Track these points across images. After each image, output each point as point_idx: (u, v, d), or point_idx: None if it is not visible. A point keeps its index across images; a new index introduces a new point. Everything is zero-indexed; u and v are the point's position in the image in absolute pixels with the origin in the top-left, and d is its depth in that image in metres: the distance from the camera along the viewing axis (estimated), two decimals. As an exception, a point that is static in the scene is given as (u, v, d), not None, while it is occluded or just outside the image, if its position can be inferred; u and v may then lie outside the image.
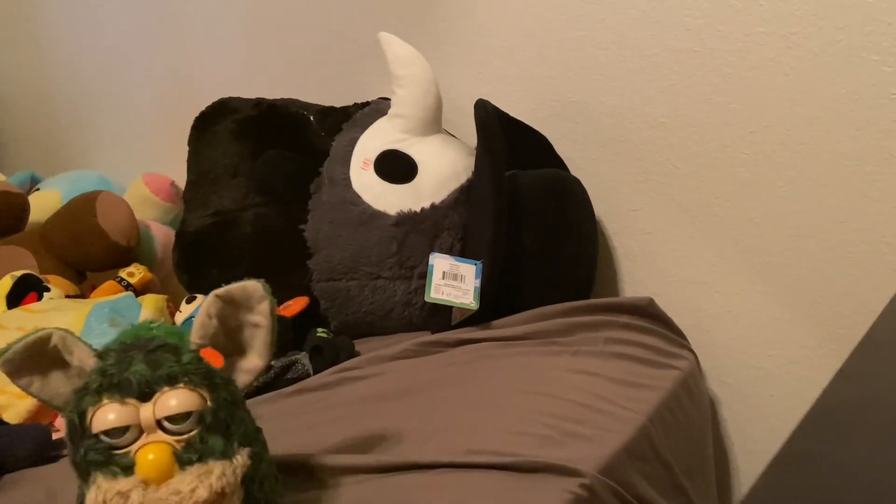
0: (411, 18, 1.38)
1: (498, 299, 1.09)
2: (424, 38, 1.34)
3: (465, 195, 1.15)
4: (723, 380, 1.18)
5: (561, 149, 1.23)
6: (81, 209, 1.43)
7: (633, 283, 1.24)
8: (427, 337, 1.06)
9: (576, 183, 1.17)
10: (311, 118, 1.28)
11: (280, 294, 1.17)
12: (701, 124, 1.12)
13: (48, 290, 1.28)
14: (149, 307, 1.22)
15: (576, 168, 1.22)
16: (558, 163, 1.23)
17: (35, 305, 1.22)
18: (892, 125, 0.97)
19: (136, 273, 1.37)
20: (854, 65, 0.98)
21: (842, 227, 1.03)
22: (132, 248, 1.46)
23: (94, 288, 1.37)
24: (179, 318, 1.20)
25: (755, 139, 1.08)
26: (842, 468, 0.29)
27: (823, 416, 0.34)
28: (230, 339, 0.65)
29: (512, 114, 1.21)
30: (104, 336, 1.14)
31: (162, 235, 1.56)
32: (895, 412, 0.34)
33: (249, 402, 1.00)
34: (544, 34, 1.25)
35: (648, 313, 1.08)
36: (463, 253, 1.13)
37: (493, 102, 1.16)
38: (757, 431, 1.17)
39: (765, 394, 1.15)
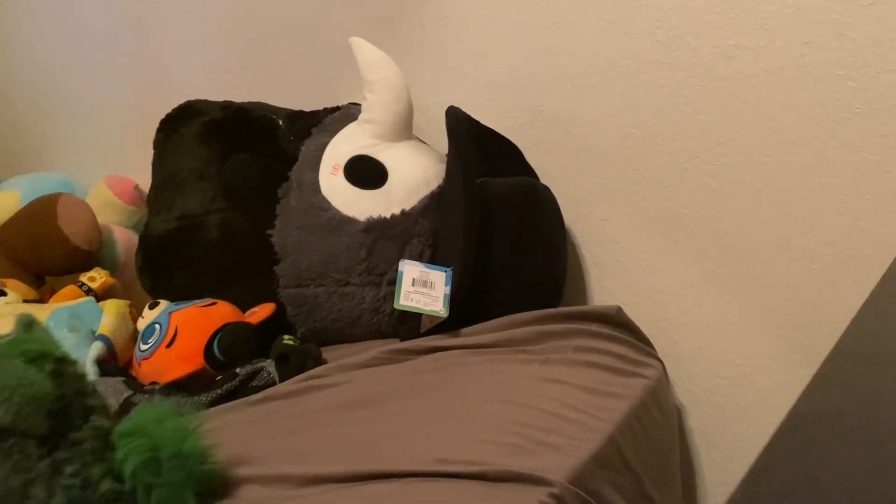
0: (384, 24, 1.38)
1: (468, 307, 1.08)
2: (397, 43, 1.34)
3: (435, 202, 1.15)
4: (689, 388, 1.19)
5: (531, 157, 1.23)
6: (41, 212, 1.39)
7: (602, 291, 1.25)
8: (396, 344, 1.05)
9: (546, 191, 1.17)
10: (280, 122, 1.26)
11: (246, 300, 1.17)
12: (669, 135, 1.13)
13: (5, 294, 1.25)
14: (110, 313, 1.20)
15: (546, 177, 1.22)
16: (529, 171, 1.23)
17: (-9, 310, 1.18)
18: (856, 139, 0.99)
19: (97, 278, 1.34)
20: (819, 79, 1.00)
21: (807, 239, 1.04)
22: (94, 252, 1.43)
23: (53, 293, 1.33)
24: (142, 323, 1.17)
25: (723, 150, 1.09)
26: (815, 479, 0.29)
27: (796, 426, 0.34)
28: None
29: (483, 121, 1.21)
30: (63, 342, 1.11)
31: (125, 239, 1.53)
32: (866, 423, 0.34)
33: (214, 411, 0.99)
34: (516, 43, 1.25)
35: (617, 322, 1.09)
36: (433, 260, 1.13)
37: (465, 110, 1.16)
38: (723, 440, 1.18)
39: (730, 403, 1.16)
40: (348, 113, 1.25)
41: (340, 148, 1.19)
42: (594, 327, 1.06)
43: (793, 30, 1.01)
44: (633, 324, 1.11)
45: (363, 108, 1.19)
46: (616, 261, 1.22)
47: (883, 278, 0.60)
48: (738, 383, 1.15)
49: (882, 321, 0.50)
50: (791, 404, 0.37)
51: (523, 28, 1.24)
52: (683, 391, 1.19)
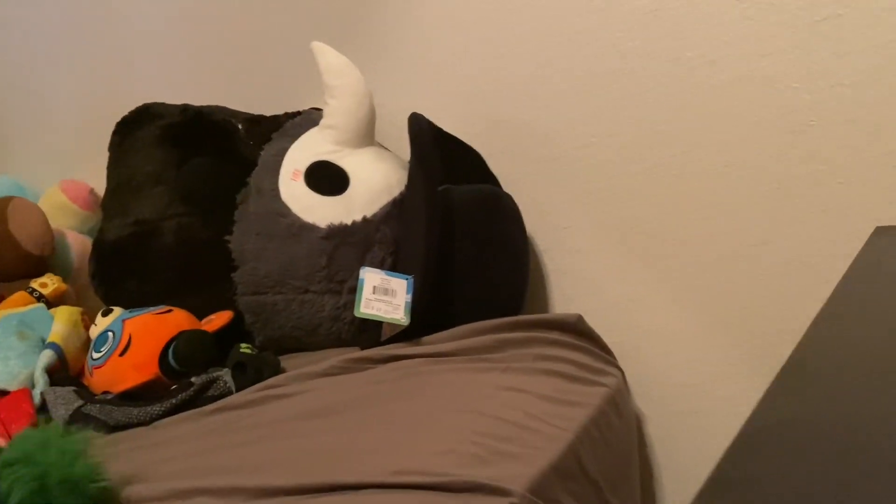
0: (349, 30, 1.37)
1: (429, 315, 1.07)
2: (361, 49, 1.33)
3: (397, 209, 1.14)
4: (649, 396, 1.20)
5: (494, 165, 1.23)
6: (-9, 216, 1.35)
7: (563, 300, 1.25)
8: (356, 353, 1.04)
9: (508, 199, 1.17)
10: (240, 126, 1.24)
11: (202, 308, 1.15)
12: (630, 144, 1.14)
13: (-49, 300, 1.21)
14: (61, 320, 1.17)
15: (508, 185, 1.22)
16: (491, 179, 1.23)
17: (-65, 317, 1.14)
18: (811, 150, 1.00)
19: (49, 284, 1.31)
20: (777, 91, 1.01)
21: (765, 249, 1.06)
22: (45, 258, 1.39)
23: (2, 298, 1.29)
24: (94, 331, 1.14)
25: (682, 160, 1.10)
26: (773, 488, 0.29)
27: (755, 434, 0.34)
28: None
29: (446, 129, 1.21)
30: (10, 350, 1.08)
31: (78, 245, 1.49)
32: (825, 435, 0.34)
33: (167, 421, 0.96)
34: (481, 51, 1.25)
35: (577, 330, 1.09)
36: (394, 267, 1.12)
37: (429, 117, 1.15)
38: (682, 447, 1.19)
39: (690, 410, 1.17)
40: (309, 118, 1.24)
41: (301, 153, 1.17)
42: (554, 335, 1.05)
43: (751, 43, 1.02)
44: (594, 332, 1.11)
45: (325, 113, 1.18)
46: (577, 269, 1.22)
47: (837, 286, 0.61)
48: (698, 391, 1.16)
49: (838, 329, 0.50)
50: (749, 412, 0.37)
51: (489, 37, 1.24)
52: (643, 399, 1.20)
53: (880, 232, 0.81)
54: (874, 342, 0.48)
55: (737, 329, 1.10)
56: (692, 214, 1.11)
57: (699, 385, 1.15)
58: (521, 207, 1.18)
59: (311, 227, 1.11)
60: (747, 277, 1.08)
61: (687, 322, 1.14)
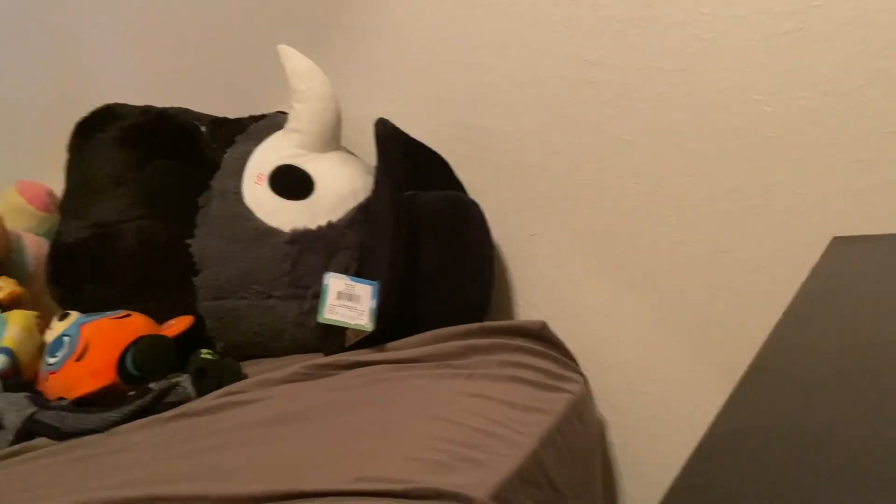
0: (318, 33, 1.36)
1: (394, 321, 1.07)
2: (329, 53, 1.32)
3: (363, 214, 1.13)
4: (612, 403, 1.20)
5: (461, 172, 1.23)
6: (-57, 216, 1.31)
7: (528, 307, 1.25)
8: (319, 359, 1.03)
9: (474, 206, 1.17)
10: (203, 129, 1.23)
11: (162, 313, 1.13)
12: (595, 154, 1.15)
13: None
14: (15, 324, 1.13)
15: (475, 192, 1.22)
16: (458, 185, 1.23)
17: None
18: (770, 161, 1.02)
19: (3, 287, 1.27)
20: (738, 103, 1.03)
21: (725, 258, 1.07)
22: (1, 260, 1.35)
23: (-46, 302, 1.26)
24: (50, 335, 1.11)
25: (645, 170, 1.11)
26: (737, 499, 0.29)
27: (716, 444, 0.34)
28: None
29: (414, 135, 1.21)
30: (-39, 355, 1.05)
31: (35, 247, 1.45)
32: (786, 441, 0.34)
33: (123, 428, 0.94)
34: (449, 58, 1.25)
35: (541, 337, 1.09)
36: (360, 273, 1.11)
37: (396, 123, 1.15)
38: (645, 454, 1.20)
39: (652, 417, 1.18)
40: (274, 122, 1.23)
41: (265, 157, 1.16)
42: (519, 342, 1.06)
43: (713, 55, 1.04)
44: (558, 339, 1.11)
45: (290, 117, 1.17)
46: (542, 276, 1.23)
47: (796, 295, 0.62)
48: (660, 398, 1.17)
49: (798, 337, 0.51)
50: (712, 419, 0.37)
51: (456, 44, 1.24)
52: (606, 406, 1.21)
53: (837, 242, 0.83)
54: (833, 349, 0.49)
55: (699, 337, 1.12)
56: (655, 223, 1.12)
57: (662, 392, 1.17)
58: (487, 214, 1.18)
59: (275, 232, 1.09)
60: (707, 286, 1.09)
61: (650, 329, 1.16)
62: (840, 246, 0.81)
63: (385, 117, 1.14)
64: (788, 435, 0.35)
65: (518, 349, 1.05)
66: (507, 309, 1.26)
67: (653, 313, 1.15)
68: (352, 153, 1.24)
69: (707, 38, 1.04)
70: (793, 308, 0.57)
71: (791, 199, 1.01)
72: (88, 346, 1.05)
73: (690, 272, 1.11)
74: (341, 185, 1.14)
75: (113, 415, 0.96)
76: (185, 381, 1.00)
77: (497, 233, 1.22)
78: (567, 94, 1.16)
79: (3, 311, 1.19)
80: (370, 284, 1.06)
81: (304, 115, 1.15)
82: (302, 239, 1.09)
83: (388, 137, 1.11)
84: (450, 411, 0.87)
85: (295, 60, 1.15)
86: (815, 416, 0.37)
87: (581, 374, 1.12)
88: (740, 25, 1.01)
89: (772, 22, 0.99)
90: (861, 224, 0.96)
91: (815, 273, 0.70)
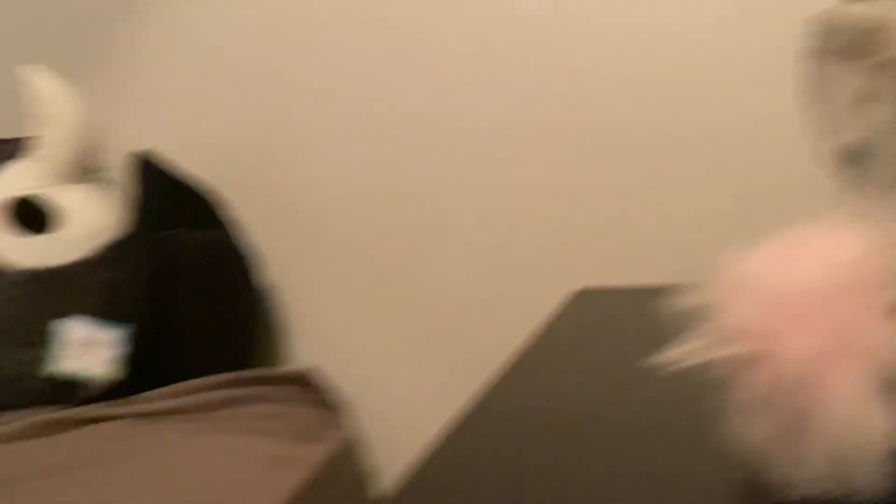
0: (79, 55, 1.25)
1: (146, 369, 0.99)
2: (95, 78, 1.22)
3: (114, 252, 1.05)
4: (384, 449, 1.19)
5: (238, 211, 1.18)
6: None
7: (297, 353, 1.21)
8: (52, 414, 0.93)
9: (241, 248, 1.12)
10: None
11: None
12: (369, 199, 1.15)
13: None
14: None
15: (246, 232, 1.17)
16: (227, 225, 1.17)
17: None
18: (514, 218, 1.07)
19: None
20: (491, 163, 1.07)
21: (488, 305, 1.11)
22: None
23: None
24: None
25: (424, 216, 1.13)
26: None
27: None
28: None
29: (183, 170, 1.14)
30: None
31: None
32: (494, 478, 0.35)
33: None
34: (230, 90, 1.20)
35: (305, 384, 1.06)
36: (110, 315, 1.02)
37: (164, 155, 1.08)
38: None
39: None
40: (19, 147, 1.11)
41: (5, 186, 1.04)
42: (280, 391, 1.02)
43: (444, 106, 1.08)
44: (325, 385, 1.09)
45: (36, 144, 1.07)
46: (314, 322, 1.20)
47: (524, 344, 0.65)
48: (427, 441, 1.17)
49: (519, 379, 0.54)
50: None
51: (233, 74, 1.20)
52: (378, 452, 1.19)
53: (577, 294, 0.87)
54: (551, 393, 0.52)
55: (464, 382, 1.14)
56: (419, 270, 1.14)
57: (431, 435, 1.17)
58: (258, 258, 1.13)
59: (9, 270, 0.98)
60: (467, 329, 1.12)
61: (419, 372, 1.16)
62: (579, 297, 0.86)
63: (154, 148, 1.07)
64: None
65: (280, 399, 1.02)
66: (272, 356, 1.22)
67: (421, 356, 1.16)
68: (110, 184, 1.15)
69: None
70: (519, 355, 0.61)
71: (535, 250, 1.07)
72: None
73: (458, 318, 1.13)
74: (91, 219, 1.05)
75: None
76: None
77: (267, 276, 1.18)
78: (347, 142, 1.15)
79: None
80: (118, 329, 0.98)
81: (53, 142, 1.05)
82: (41, 278, 0.99)
83: (150, 171, 1.05)
84: (195, 472, 0.82)
85: (41, 84, 1.05)
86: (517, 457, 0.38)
87: (348, 421, 1.09)
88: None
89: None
90: (606, 276, 1.03)
91: (550, 321, 0.74)
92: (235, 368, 1.05)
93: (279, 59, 1.18)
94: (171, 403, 0.97)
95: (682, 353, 0.35)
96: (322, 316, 1.20)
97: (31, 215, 1.03)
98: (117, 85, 1.25)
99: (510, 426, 0.49)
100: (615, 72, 1.04)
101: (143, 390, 0.99)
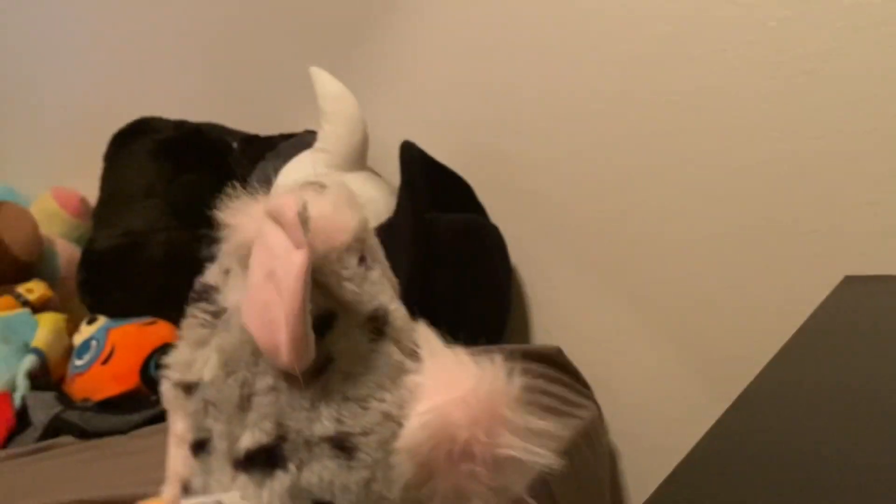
0: (344, 56, 1.40)
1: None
2: (355, 75, 1.35)
3: (384, 235, 1.15)
4: (624, 432, 1.21)
5: (482, 196, 1.26)
6: (-18, 219, 1.37)
7: (542, 332, 1.26)
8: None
9: (493, 230, 1.19)
10: (234, 145, 1.27)
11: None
12: (611, 184, 1.16)
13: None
14: (46, 326, 1.17)
15: (495, 216, 1.24)
16: (478, 209, 1.25)
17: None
18: (785, 200, 1.03)
19: (35, 290, 1.31)
20: (756, 140, 1.04)
21: (735, 293, 1.08)
22: (33, 263, 1.40)
23: (-13, 302, 1.30)
24: (78, 339, 1.15)
25: (663, 203, 1.13)
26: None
27: (690, 468, 0.36)
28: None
29: (437, 158, 1.23)
30: (-7, 353, 1.09)
31: (67, 253, 1.50)
32: (764, 466, 0.36)
33: (144, 431, 0.96)
34: (472, 82, 1.28)
35: (555, 362, 1.10)
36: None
37: (420, 145, 1.17)
38: (655, 483, 1.20)
39: (663, 447, 1.18)
40: (303, 141, 1.26)
41: (292, 175, 1.19)
42: (532, 367, 1.07)
43: (735, 89, 1.05)
44: (572, 365, 1.13)
45: (318, 137, 1.20)
46: (558, 302, 1.24)
47: (798, 330, 0.63)
48: (673, 428, 1.17)
49: (790, 371, 0.53)
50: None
51: (480, 68, 1.27)
52: (618, 435, 1.21)
53: (848, 281, 0.84)
54: (824, 384, 0.51)
55: (712, 369, 1.12)
56: (670, 255, 1.13)
57: (675, 422, 1.17)
58: (506, 239, 1.20)
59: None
60: (718, 320, 1.10)
61: (663, 360, 1.16)
62: (851, 285, 0.82)
63: (410, 140, 1.17)
64: (768, 463, 0.37)
65: (530, 373, 1.06)
66: (522, 334, 1.28)
67: (667, 344, 1.15)
68: (377, 174, 1.27)
69: (724, 75, 1.06)
70: (793, 342, 0.59)
71: (805, 237, 1.02)
72: (114, 350, 1.08)
73: (702, 306, 1.11)
74: (368, 203, 1.16)
75: (135, 418, 0.99)
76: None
77: (515, 257, 1.24)
78: (585, 125, 1.18)
79: (34, 314, 1.23)
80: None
81: (332, 136, 1.18)
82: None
83: (413, 160, 1.14)
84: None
85: (326, 83, 1.18)
86: (797, 444, 0.39)
87: (594, 402, 1.13)
88: (758, 64, 1.03)
89: (791, 63, 1.01)
90: (874, 264, 0.97)
91: (822, 310, 0.71)
92: (488, 344, 1.11)
93: (518, 58, 1.23)
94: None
95: None
96: (568, 298, 1.23)
97: (314, 200, 1.17)
98: (378, 83, 1.37)
99: (787, 408, 0.48)
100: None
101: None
